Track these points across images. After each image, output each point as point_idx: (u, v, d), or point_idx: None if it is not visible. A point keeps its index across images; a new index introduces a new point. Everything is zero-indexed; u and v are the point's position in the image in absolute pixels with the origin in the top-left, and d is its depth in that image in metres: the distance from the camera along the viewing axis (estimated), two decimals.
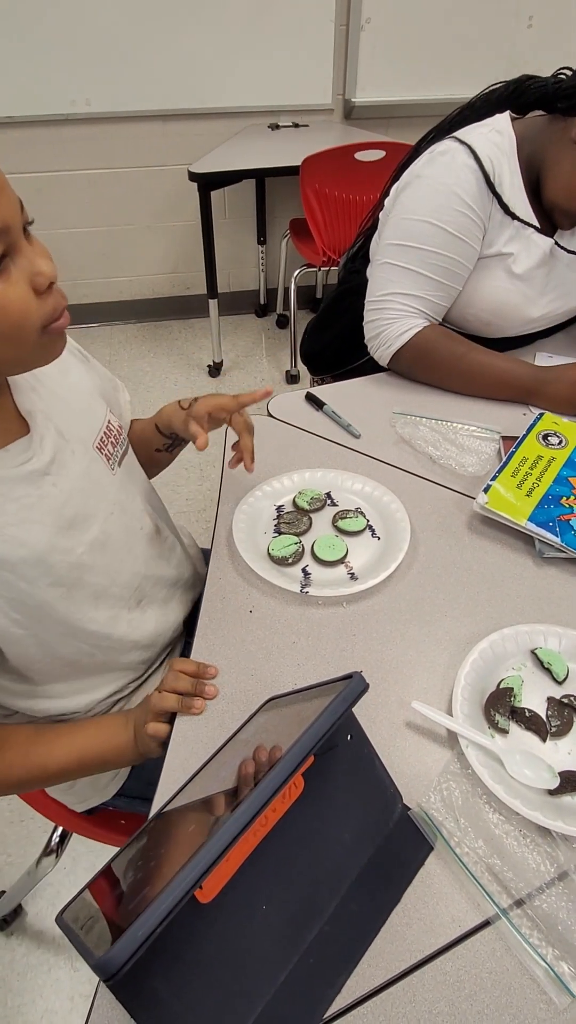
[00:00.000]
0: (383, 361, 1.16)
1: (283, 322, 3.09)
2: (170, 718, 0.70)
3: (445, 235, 1.04)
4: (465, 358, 1.09)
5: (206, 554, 1.01)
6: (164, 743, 0.68)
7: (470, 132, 1.05)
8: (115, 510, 0.76)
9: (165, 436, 0.93)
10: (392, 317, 1.11)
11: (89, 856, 1.27)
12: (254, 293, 3.15)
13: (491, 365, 1.09)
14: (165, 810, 0.61)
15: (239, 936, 0.50)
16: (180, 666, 0.72)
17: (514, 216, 1.05)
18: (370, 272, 1.17)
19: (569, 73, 1.00)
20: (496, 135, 1.04)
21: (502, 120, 1.06)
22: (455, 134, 1.05)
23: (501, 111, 1.08)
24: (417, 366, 1.13)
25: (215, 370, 2.75)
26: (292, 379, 2.72)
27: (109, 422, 0.79)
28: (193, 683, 0.70)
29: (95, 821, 0.90)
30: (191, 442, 0.84)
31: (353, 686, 0.53)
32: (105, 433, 0.77)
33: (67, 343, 0.78)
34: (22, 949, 1.19)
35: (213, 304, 2.57)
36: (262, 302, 3.16)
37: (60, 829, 1.03)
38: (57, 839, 1.04)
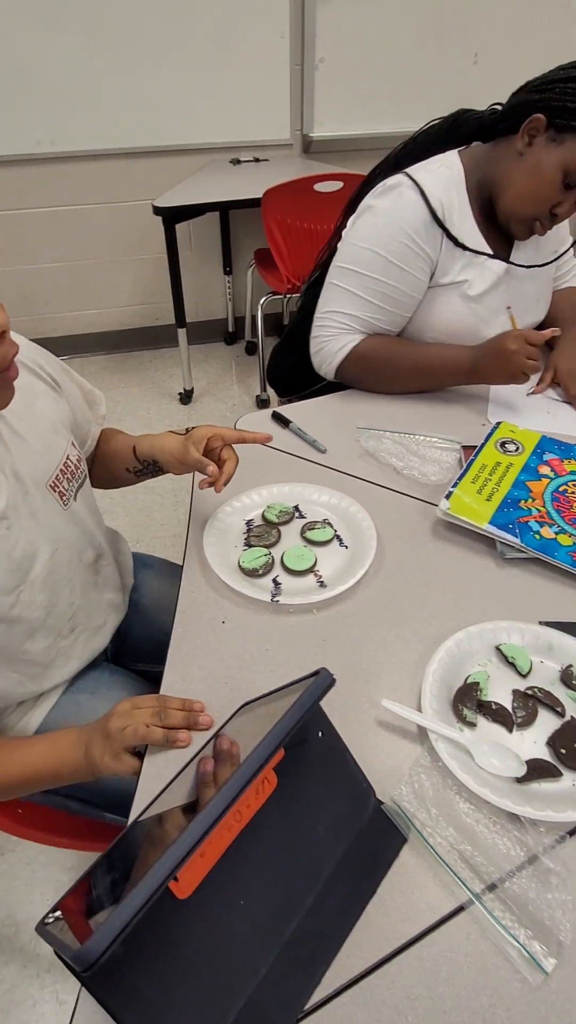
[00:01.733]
0: (328, 375, 1.23)
1: (252, 349, 3.15)
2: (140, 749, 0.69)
3: (387, 264, 1.10)
4: (405, 358, 1.17)
5: (144, 559, 1.05)
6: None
7: (420, 169, 1.11)
8: (60, 546, 0.78)
9: (139, 461, 0.93)
10: (331, 334, 1.19)
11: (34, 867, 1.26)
12: (222, 322, 3.21)
13: (430, 355, 1.16)
14: (142, 819, 0.61)
15: (218, 932, 0.50)
16: (171, 704, 0.70)
17: (464, 247, 1.11)
18: (322, 291, 1.23)
19: (500, 107, 1.08)
20: (445, 170, 1.11)
21: (451, 155, 1.13)
22: (407, 170, 1.11)
23: (441, 143, 1.15)
24: (362, 376, 1.20)
25: (186, 397, 2.79)
26: (262, 403, 2.77)
27: (68, 457, 0.80)
28: (186, 716, 0.69)
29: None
30: (172, 472, 0.88)
31: (319, 681, 0.55)
32: (62, 470, 0.79)
33: (39, 373, 0.80)
34: (5, 985, 1.16)
35: (182, 333, 2.61)
36: (230, 330, 3.22)
37: None
38: None
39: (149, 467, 0.93)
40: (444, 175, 1.09)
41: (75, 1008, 0.51)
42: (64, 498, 0.79)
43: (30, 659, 0.77)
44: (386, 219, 1.10)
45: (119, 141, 2.57)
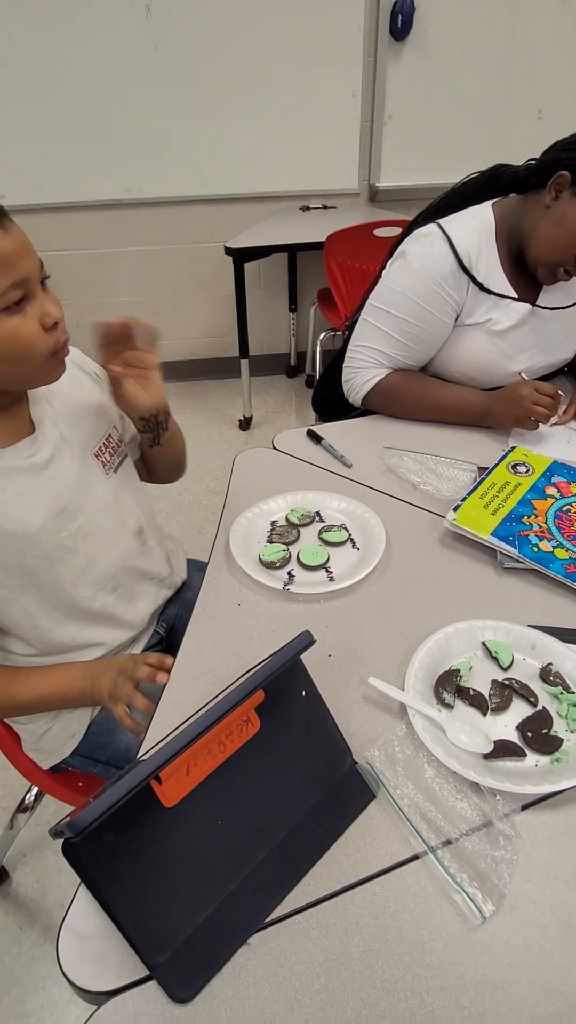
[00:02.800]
0: (355, 404, 1.35)
1: (311, 382, 3.30)
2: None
3: (416, 306, 1.21)
4: (425, 397, 1.27)
5: (200, 564, 1.14)
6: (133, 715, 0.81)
7: (452, 220, 1.21)
8: (101, 507, 0.91)
9: (139, 430, 0.97)
10: (360, 367, 1.30)
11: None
12: (285, 356, 3.38)
13: (448, 399, 1.26)
14: (144, 757, 0.71)
15: (197, 843, 0.59)
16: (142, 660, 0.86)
17: (489, 292, 1.20)
18: (357, 324, 1.34)
19: (535, 161, 1.17)
20: (476, 220, 1.21)
21: (484, 208, 1.23)
22: (439, 221, 1.22)
23: (479, 194, 1.25)
24: (385, 407, 1.32)
25: (245, 424, 2.94)
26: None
27: (110, 435, 0.94)
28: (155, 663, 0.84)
29: (59, 780, 1.01)
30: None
31: (301, 639, 0.64)
32: (105, 443, 0.93)
33: (86, 369, 0.95)
34: (28, 942, 1.26)
35: (244, 364, 2.79)
36: (292, 364, 3.38)
37: (35, 789, 1.19)
38: (32, 798, 1.19)
39: (147, 425, 0.95)
40: (475, 225, 1.19)
41: (72, 899, 0.60)
42: (106, 467, 0.93)
43: (73, 603, 0.89)
44: (417, 265, 1.20)
45: (198, 189, 2.80)
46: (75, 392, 0.92)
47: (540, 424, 1.17)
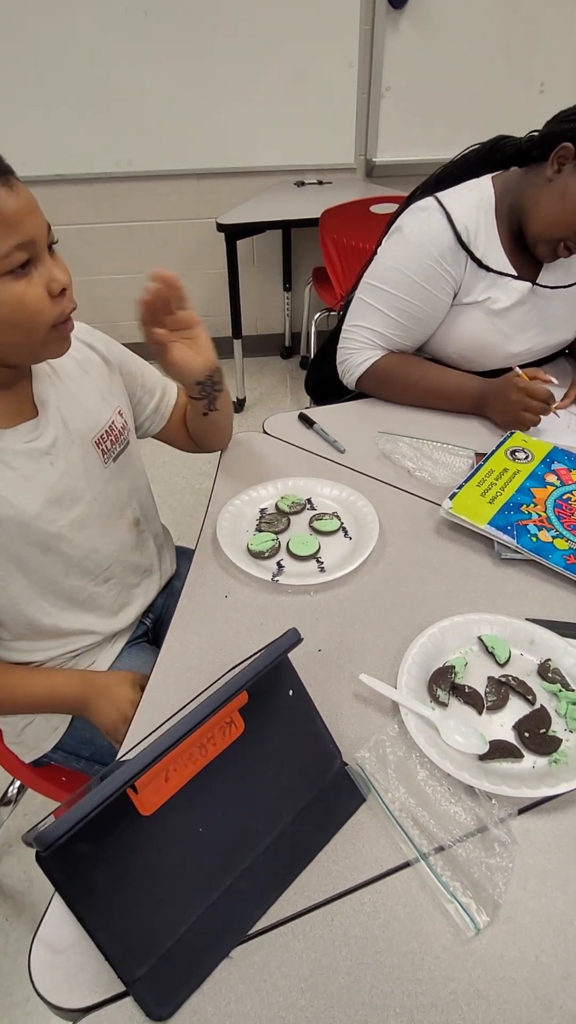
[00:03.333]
0: (350, 385, 1.30)
1: (306, 363, 3.24)
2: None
3: (412, 283, 1.16)
4: (421, 381, 1.22)
5: (189, 552, 1.09)
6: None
7: (450, 194, 1.16)
8: (99, 497, 0.87)
9: (194, 397, 0.96)
10: (354, 348, 1.25)
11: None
12: (280, 336, 3.32)
13: (444, 383, 1.21)
14: (124, 759, 0.68)
15: (176, 852, 0.56)
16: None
17: (488, 268, 1.15)
18: (351, 304, 1.29)
19: (537, 133, 1.12)
20: (475, 194, 1.16)
21: (483, 181, 1.18)
22: (437, 194, 1.17)
23: (479, 167, 1.20)
24: (380, 390, 1.26)
25: (238, 406, 2.89)
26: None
27: (113, 422, 0.90)
28: None
29: (41, 774, 0.99)
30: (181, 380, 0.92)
31: (287, 637, 0.60)
32: (107, 431, 0.89)
33: (98, 349, 0.91)
34: (15, 934, 1.25)
35: (237, 344, 2.73)
36: (287, 344, 3.32)
37: (17, 783, 1.17)
38: (15, 791, 1.17)
39: (202, 391, 0.95)
40: (473, 199, 1.14)
41: (46, 909, 0.58)
42: (105, 456, 0.89)
43: (61, 592, 0.85)
44: (413, 240, 1.15)
45: (191, 162, 2.72)
46: (82, 374, 0.88)
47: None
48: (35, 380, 0.81)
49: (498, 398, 1.14)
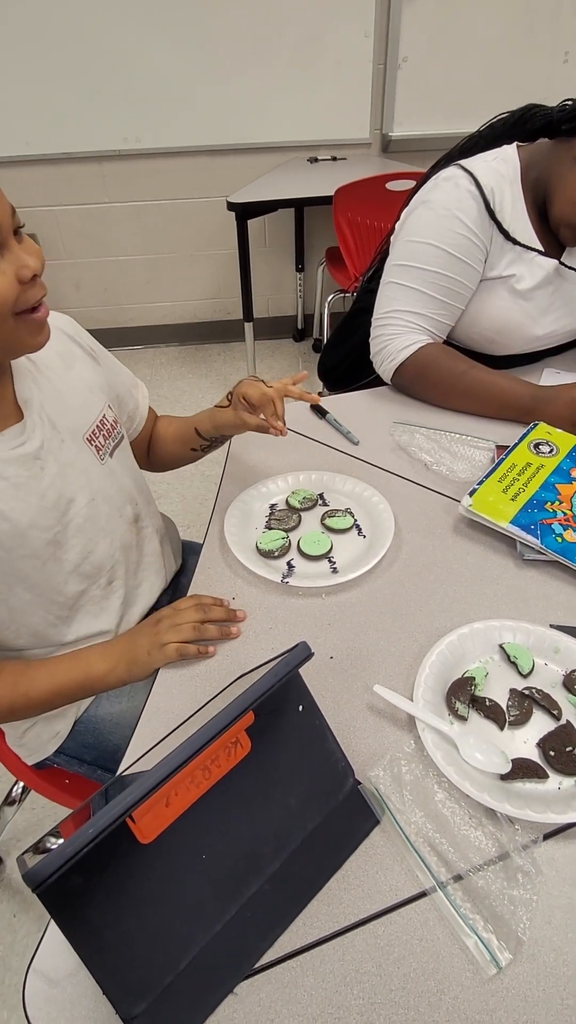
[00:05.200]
0: (386, 376, 1.19)
1: (319, 346, 3.17)
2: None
3: (447, 256, 1.08)
4: (465, 376, 1.11)
5: (196, 547, 1.06)
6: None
7: (475, 161, 1.10)
8: (97, 497, 0.83)
9: (204, 439, 0.99)
10: (395, 333, 1.15)
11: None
12: (292, 318, 3.25)
13: (491, 383, 1.10)
14: (127, 773, 0.65)
15: (178, 881, 0.53)
16: (206, 601, 0.80)
17: (515, 241, 1.09)
18: (379, 292, 1.22)
19: (571, 102, 1.04)
20: (500, 163, 1.09)
21: (508, 149, 1.11)
22: (460, 162, 1.10)
23: (507, 138, 1.13)
24: (418, 382, 1.16)
25: None
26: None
27: (104, 416, 0.86)
28: (226, 612, 0.79)
29: (44, 776, 0.96)
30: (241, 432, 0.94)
31: (297, 652, 0.56)
32: (98, 426, 0.84)
33: (79, 342, 0.86)
34: (23, 930, 1.24)
35: (248, 327, 2.66)
36: (299, 327, 3.25)
37: (21, 783, 1.13)
38: (19, 790, 1.13)
39: (215, 442, 1.01)
40: (498, 168, 1.07)
41: (42, 937, 0.55)
42: (100, 452, 0.85)
43: (64, 601, 0.81)
44: (442, 211, 1.08)
45: (200, 139, 2.64)
46: (65, 368, 0.83)
47: None
48: (17, 379, 0.76)
49: (558, 401, 1.04)
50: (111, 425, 0.87)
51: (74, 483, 0.79)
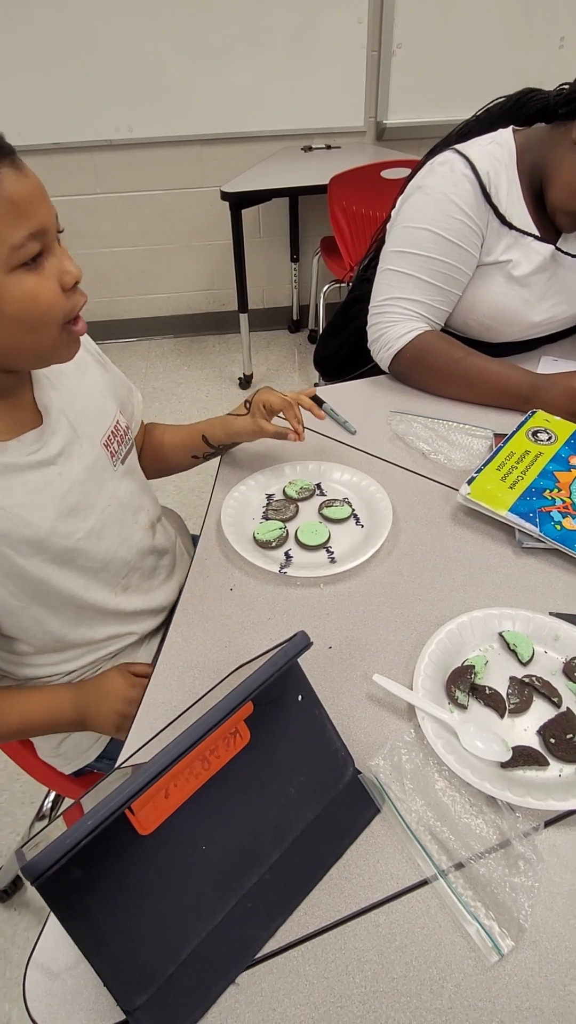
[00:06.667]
0: (384, 364, 1.18)
1: (314, 337, 3.15)
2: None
3: (444, 242, 1.07)
4: (463, 362, 1.10)
5: (194, 540, 1.05)
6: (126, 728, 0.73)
7: (470, 145, 1.08)
8: (112, 503, 0.82)
9: (211, 446, 0.98)
10: (393, 320, 1.14)
11: None
12: (287, 309, 3.23)
13: (489, 371, 1.09)
14: (127, 763, 0.64)
15: (178, 872, 0.52)
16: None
17: (511, 226, 1.08)
18: (375, 279, 1.21)
19: (568, 86, 1.03)
20: (496, 147, 1.08)
21: (504, 133, 1.09)
22: (455, 146, 1.09)
23: (504, 123, 1.11)
24: (416, 369, 1.15)
25: (245, 382, 2.82)
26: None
27: (117, 422, 0.85)
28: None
29: (83, 784, 0.94)
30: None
31: (295, 642, 0.56)
32: (113, 432, 0.84)
33: (88, 348, 0.85)
34: (23, 923, 1.23)
35: (244, 318, 2.65)
36: (295, 318, 3.23)
37: (52, 795, 1.09)
38: (49, 804, 1.09)
39: (220, 450, 1.00)
40: (494, 152, 1.06)
41: (42, 930, 0.55)
42: (115, 458, 0.84)
43: (84, 606, 0.80)
44: (438, 196, 1.07)
45: (193, 128, 2.62)
46: (79, 374, 0.82)
47: None
48: (36, 385, 0.75)
49: (558, 393, 1.04)
50: (124, 431, 0.86)
51: (92, 490, 0.78)
